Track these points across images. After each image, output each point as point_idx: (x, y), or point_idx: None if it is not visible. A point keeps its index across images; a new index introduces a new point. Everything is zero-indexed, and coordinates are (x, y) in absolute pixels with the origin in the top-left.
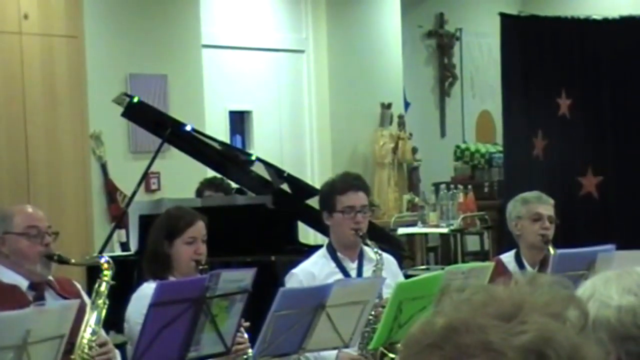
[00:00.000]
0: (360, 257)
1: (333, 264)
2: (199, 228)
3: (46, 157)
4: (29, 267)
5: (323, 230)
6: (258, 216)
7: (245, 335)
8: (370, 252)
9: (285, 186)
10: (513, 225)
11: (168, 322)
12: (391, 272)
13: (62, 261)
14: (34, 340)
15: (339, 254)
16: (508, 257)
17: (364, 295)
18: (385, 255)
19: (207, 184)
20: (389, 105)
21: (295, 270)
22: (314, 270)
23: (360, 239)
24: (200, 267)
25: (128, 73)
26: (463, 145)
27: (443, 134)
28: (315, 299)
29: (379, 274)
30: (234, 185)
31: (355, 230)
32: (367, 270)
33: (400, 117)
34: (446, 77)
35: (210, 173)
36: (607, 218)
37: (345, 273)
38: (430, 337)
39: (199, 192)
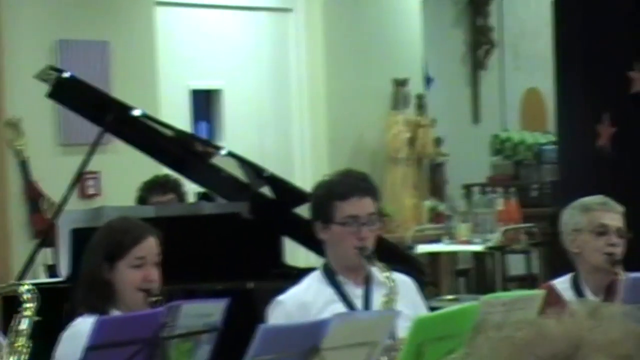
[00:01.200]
0: (368, 280)
1: (331, 290)
2: (150, 246)
3: None
4: None
5: (317, 247)
6: (231, 229)
7: None
8: (380, 274)
9: (266, 190)
10: (570, 240)
11: None
12: (410, 299)
13: None
14: None
15: (339, 277)
16: (563, 283)
17: (372, 335)
18: (401, 277)
19: (150, 186)
20: (404, 82)
21: (282, 298)
22: (306, 297)
23: (365, 259)
24: (152, 298)
25: (57, 40)
26: (503, 135)
27: (476, 119)
28: (308, 340)
29: (391, 305)
30: (199, 189)
31: (359, 248)
32: (377, 298)
33: (420, 97)
34: (481, 43)
35: (166, 173)
36: None
37: (348, 302)
38: None
39: (142, 200)
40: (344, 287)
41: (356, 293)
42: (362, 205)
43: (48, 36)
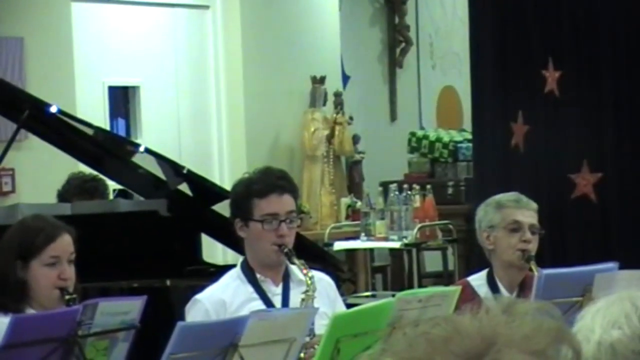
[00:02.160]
0: (286, 278)
1: (250, 288)
2: (64, 244)
3: None
4: None
5: (236, 245)
6: (148, 227)
7: None
8: (298, 272)
9: (184, 187)
10: (484, 237)
11: None
12: (327, 296)
13: None
14: None
15: (257, 275)
16: (478, 279)
17: (289, 331)
18: (318, 275)
19: (76, 190)
20: (321, 80)
21: (199, 297)
22: (224, 296)
23: (285, 256)
24: (67, 296)
25: None
26: (420, 133)
27: (393, 117)
28: (225, 337)
29: (309, 302)
30: (116, 186)
31: (278, 245)
32: (295, 296)
33: (337, 95)
34: (397, 42)
35: (83, 169)
36: (607, 227)
37: (267, 300)
38: None
39: (65, 201)
40: (262, 285)
41: (274, 291)
42: (281, 203)
43: None
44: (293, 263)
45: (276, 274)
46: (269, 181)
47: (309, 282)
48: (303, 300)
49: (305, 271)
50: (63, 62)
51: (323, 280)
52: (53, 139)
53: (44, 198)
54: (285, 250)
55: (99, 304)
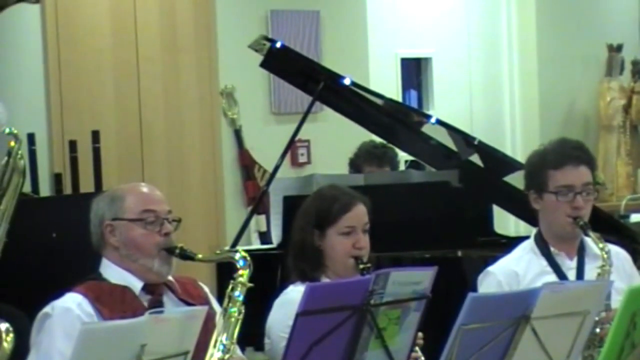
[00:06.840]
0: (581, 252)
1: (544, 262)
2: (359, 214)
3: (164, 121)
4: (144, 263)
5: (529, 216)
6: (439, 197)
7: (422, 358)
8: (594, 246)
9: (476, 158)
10: None
11: (321, 337)
12: (623, 271)
13: (186, 256)
14: (150, 357)
15: (552, 248)
16: None
17: (583, 304)
18: (615, 249)
19: (367, 157)
20: (619, 48)
21: (492, 269)
22: (517, 268)
23: (580, 229)
24: (362, 265)
25: (269, 10)
26: None
27: None
28: (517, 309)
29: (605, 276)
30: (407, 157)
31: (574, 217)
32: (590, 270)
33: (635, 63)
34: None
35: (375, 140)
36: None
37: (561, 273)
38: None
39: (355, 167)
40: (556, 258)
41: (569, 265)
42: (577, 174)
43: (260, 7)
44: (588, 236)
45: (571, 248)
46: (564, 152)
47: (605, 255)
48: (599, 275)
49: (601, 245)
50: (357, 35)
51: (620, 254)
52: (347, 110)
53: (337, 169)
54: (581, 223)
55: (391, 274)
